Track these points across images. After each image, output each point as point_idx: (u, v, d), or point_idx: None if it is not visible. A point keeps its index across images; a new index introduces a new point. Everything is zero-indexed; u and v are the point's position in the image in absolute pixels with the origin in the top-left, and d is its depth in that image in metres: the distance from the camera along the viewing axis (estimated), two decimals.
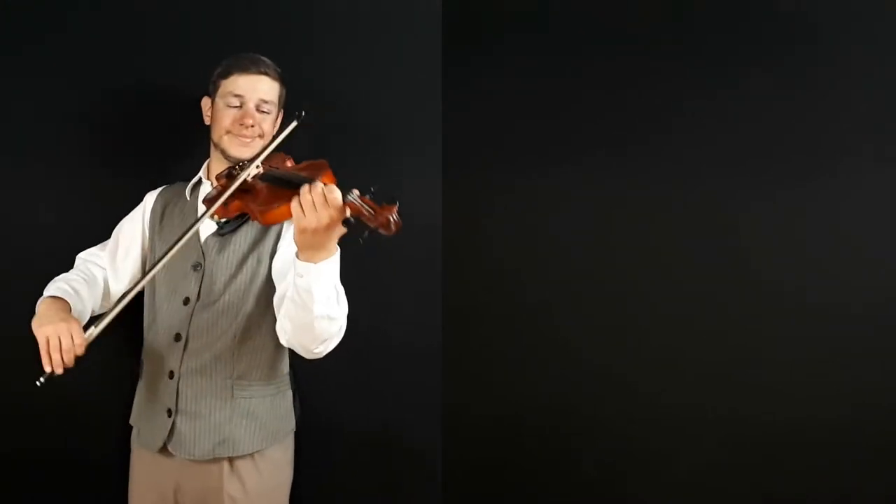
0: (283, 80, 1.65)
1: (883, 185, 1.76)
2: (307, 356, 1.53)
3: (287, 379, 1.72)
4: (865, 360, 1.79)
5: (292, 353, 1.63)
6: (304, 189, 1.34)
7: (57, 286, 1.60)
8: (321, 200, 1.33)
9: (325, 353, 1.51)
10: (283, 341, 1.55)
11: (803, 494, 1.85)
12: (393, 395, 2.00)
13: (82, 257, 1.71)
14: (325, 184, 1.35)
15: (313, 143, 1.92)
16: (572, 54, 1.88)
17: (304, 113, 1.54)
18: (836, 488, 1.83)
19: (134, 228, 1.70)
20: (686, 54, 1.82)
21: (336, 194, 1.33)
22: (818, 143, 1.78)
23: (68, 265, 1.73)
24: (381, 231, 1.34)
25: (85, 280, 1.65)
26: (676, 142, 1.85)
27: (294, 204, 1.35)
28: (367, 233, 1.34)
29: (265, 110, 1.61)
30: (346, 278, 1.66)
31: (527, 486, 2.01)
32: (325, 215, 1.33)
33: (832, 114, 1.77)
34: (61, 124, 1.87)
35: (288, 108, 1.68)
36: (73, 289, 1.60)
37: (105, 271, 1.70)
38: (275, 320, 1.57)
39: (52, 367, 1.40)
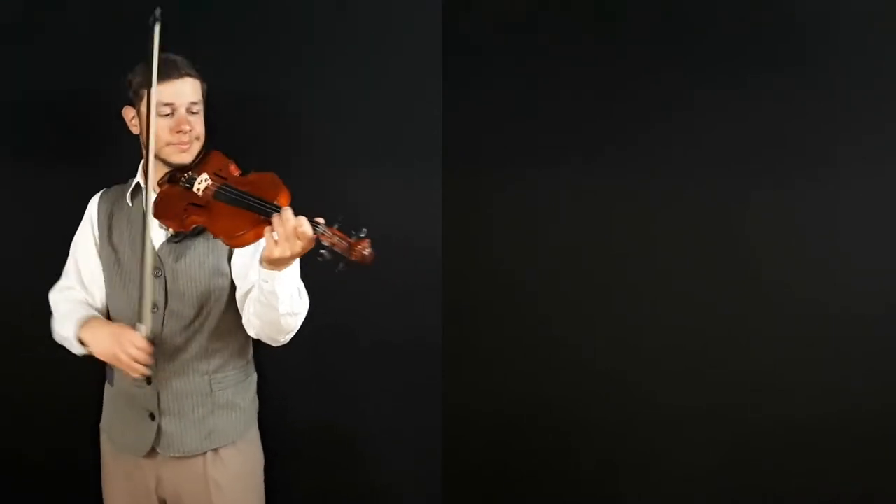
0: (201, 73, 1.63)
1: (882, 184, 1.76)
2: (274, 345, 1.60)
3: (252, 363, 1.77)
4: (866, 359, 1.79)
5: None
6: (276, 221, 1.39)
7: (70, 308, 1.64)
8: (292, 234, 1.38)
9: (287, 341, 1.60)
10: (251, 334, 1.61)
11: (803, 494, 1.85)
12: (393, 395, 2.00)
13: (53, 297, 1.71)
14: (283, 208, 1.41)
15: (313, 142, 1.93)
16: (573, 54, 1.88)
17: (157, 12, 1.50)
18: (836, 488, 1.83)
19: (87, 243, 1.69)
20: (687, 54, 1.82)
21: (307, 228, 1.38)
22: (817, 143, 1.78)
23: (58, 264, 1.73)
24: (357, 262, 1.40)
25: (75, 301, 1.68)
26: (678, 141, 1.85)
27: (266, 235, 1.41)
28: (342, 265, 1.40)
29: (195, 111, 1.60)
30: (346, 279, 1.67)
31: (527, 486, 2.01)
32: (297, 247, 1.39)
33: (832, 114, 1.77)
34: None
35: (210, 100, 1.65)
36: (82, 304, 1.67)
37: (78, 291, 1.70)
38: (239, 313, 1.63)
39: (141, 374, 1.53)
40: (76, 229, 1.72)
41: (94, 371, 1.68)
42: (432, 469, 2.02)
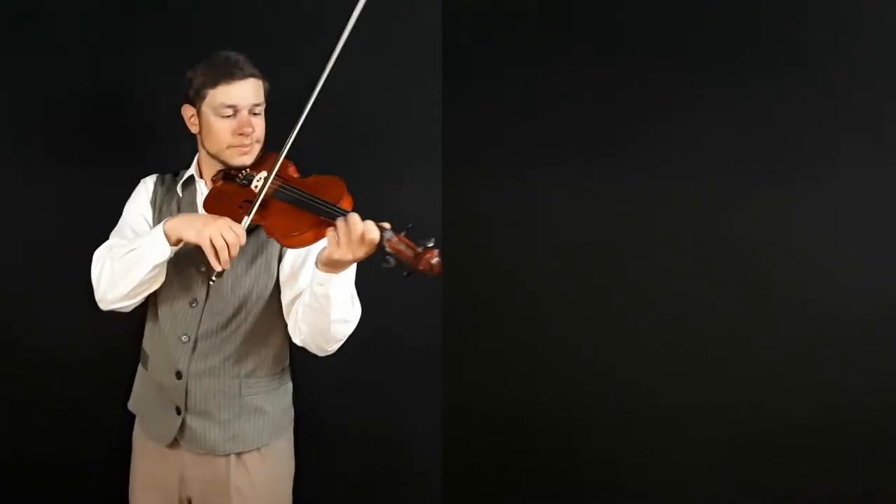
0: (263, 73, 1.62)
1: (882, 184, 1.76)
2: (320, 354, 1.58)
3: (288, 371, 1.76)
4: (866, 359, 1.79)
5: (293, 349, 1.65)
6: (341, 225, 1.36)
7: (139, 237, 1.57)
8: (357, 239, 1.35)
9: (334, 351, 1.58)
10: (297, 341, 1.58)
11: (803, 494, 1.85)
12: (393, 395, 2.01)
13: (101, 253, 1.60)
14: (349, 212, 1.38)
15: (314, 142, 1.93)
16: (573, 54, 1.88)
17: None
18: (836, 488, 1.83)
19: (142, 210, 1.65)
20: (687, 54, 1.82)
21: (374, 235, 1.36)
22: (817, 143, 1.78)
23: (58, 264, 1.73)
24: (423, 272, 1.36)
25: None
26: (678, 141, 1.85)
27: (330, 237, 1.38)
28: (408, 273, 1.37)
29: (257, 112, 1.60)
30: None
31: (527, 486, 2.01)
32: (360, 251, 1.37)
33: (832, 114, 1.77)
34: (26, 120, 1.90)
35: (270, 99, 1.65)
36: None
37: None
38: (281, 318, 1.60)
39: (223, 266, 1.46)
40: (91, 230, 1.71)
41: (97, 372, 1.68)
42: (432, 469, 2.02)
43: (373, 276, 1.90)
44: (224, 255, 1.44)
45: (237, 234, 1.45)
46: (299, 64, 1.90)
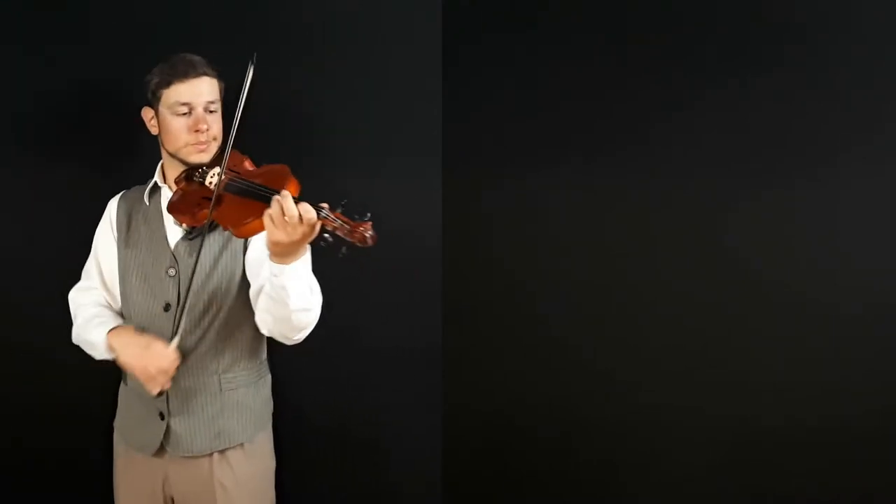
0: (219, 72, 1.63)
1: (882, 184, 1.76)
2: (287, 343, 1.58)
3: (266, 364, 1.76)
4: (866, 359, 1.79)
5: (279, 346, 1.66)
6: (276, 205, 1.36)
7: (94, 313, 1.65)
8: (294, 218, 1.35)
9: (302, 339, 1.57)
10: (264, 332, 1.59)
11: (803, 494, 1.85)
12: (393, 395, 2.00)
13: (74, 296, 1.73)
14: (294, 196, 1.38)
15: (312, 142, 1.93)
16: (572, 54, 1.88)
17: (254, 58, 1.53)
18: (836, 488, 1.83)
19: (107, 243, 1.70)
20: (687, 54, 1.82)
21: (311, 213, 1.35)
22: (817, 143, 1.78)
23: (58, 264, 1.75)
24: (359, 245, 1.37)
25: (100, 305, 1.70)
26: (678, 141, 1.85)
27: (266, 219, 1.37)
28: (344, 248, 1.37)
29: (212, 110, 1.61)
30: (346, 278, 1.66)
31: (527, 486, 2.01)
32: (297, 231, 1.36)
33: (832, 114, 1.77)
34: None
35: (227, 99, 1.65)
36: (105, 308, 1.68)
37: (100, 292, 1.71)
38: (251, 310, 1.61)
39: (161, 388, 1.55)
40: (90, 230, 1.73)
41: (101, 372, 1.68)
42: (432, 469, 2.02)
43: (373, 276, 1.91)
44: (159, 382, 1.53)
45: (170, 361, 1.53)
46: (299, 64, 1.91)
